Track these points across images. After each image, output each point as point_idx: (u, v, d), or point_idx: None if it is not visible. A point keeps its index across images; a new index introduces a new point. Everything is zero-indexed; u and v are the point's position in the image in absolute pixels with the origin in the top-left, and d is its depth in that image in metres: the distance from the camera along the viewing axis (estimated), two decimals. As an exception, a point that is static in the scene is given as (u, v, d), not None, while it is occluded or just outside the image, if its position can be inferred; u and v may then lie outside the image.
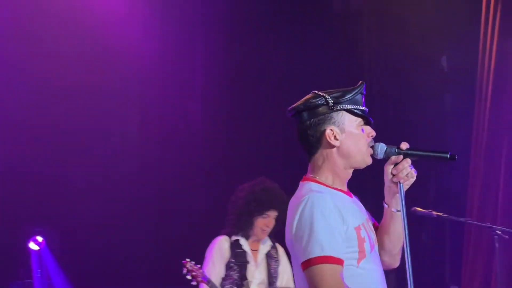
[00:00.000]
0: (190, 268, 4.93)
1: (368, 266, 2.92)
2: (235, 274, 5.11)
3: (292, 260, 2.94)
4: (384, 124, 7.14)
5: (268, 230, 5.16)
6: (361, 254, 2.89)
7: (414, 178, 2.97)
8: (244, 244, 5.17)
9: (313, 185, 2.93)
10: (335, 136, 2.93)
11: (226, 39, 7.22)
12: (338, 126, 2.94)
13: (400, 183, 2.94)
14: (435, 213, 4.64)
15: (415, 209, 4.53)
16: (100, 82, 6.59)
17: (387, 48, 7.23)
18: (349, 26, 7.37)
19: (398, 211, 3.00)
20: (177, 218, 6.92)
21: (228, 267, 5.11)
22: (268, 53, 7.26)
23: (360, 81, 2.98)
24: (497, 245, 4.72)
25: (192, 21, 7.13)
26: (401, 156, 2.93)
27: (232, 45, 7.21)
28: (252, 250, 5.21)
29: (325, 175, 2.96)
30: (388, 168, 2.98)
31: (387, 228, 3.07)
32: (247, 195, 5.18)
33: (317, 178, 2.97)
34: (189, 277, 4.93)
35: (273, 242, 5.29)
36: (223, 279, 5.13)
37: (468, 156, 6.28)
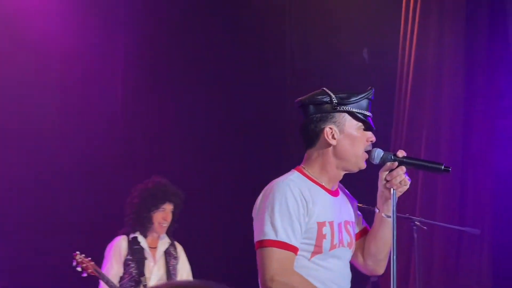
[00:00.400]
0: (79, 260, 4.99)
1: (322, 263, 2.97)
2: (133, 271, 5.15)
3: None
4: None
5: (166, 224, 5.26)
6: (317, 248, 2.94)
7: (407, 186, 3.03)
8: (142, 241, 5.25)
9: (295, 174, 3.01)
10: (333, 135, 2.99)
11: (148, 33, 7.13)
12: (338, 126, 2.99)
13: (393, 189, 2.98)
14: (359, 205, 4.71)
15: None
16: (18, 76, 6.42)
17: (311, 40, 7.25)
18: (271, 21, 7.35)
19: (388, 216, 3.03)
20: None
21: (126, 264, 5.17)
22: (189, 47, 7.20)
23: (370, 87, 3.03)
24: (415, 235, 4.78)
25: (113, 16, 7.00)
26: (396, 163, 2.99)
27: (154, 40, 7.12)
28: (151, 247, 5.29)
29: (314, 169, 3.03)
30: (383, 174, 3.03)
31: (375, 232, 3.12)
32: (142, 192, 5.28)
33: (305, 169, 3.04)
34: (79, 269, 4.99)
35: (172, 240, 5.39)
36: (122, 278, 5.17)
37: (387, 149, 6.33)
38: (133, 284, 5.15)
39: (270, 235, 2.86)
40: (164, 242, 5.36)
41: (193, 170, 7.03)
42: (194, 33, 7.20)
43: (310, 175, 3.02)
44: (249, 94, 7.14)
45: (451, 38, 6.26)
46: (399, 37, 6.45)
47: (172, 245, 5.39)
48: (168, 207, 5.28)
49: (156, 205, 5.23)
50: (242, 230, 6.85)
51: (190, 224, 6.72)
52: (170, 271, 5.30)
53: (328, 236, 2.96)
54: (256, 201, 3.00)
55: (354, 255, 3.15)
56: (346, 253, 3.06)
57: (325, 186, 3.03)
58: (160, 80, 7.14)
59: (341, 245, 3.02)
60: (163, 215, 5.25)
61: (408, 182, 3.02)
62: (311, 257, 2.94)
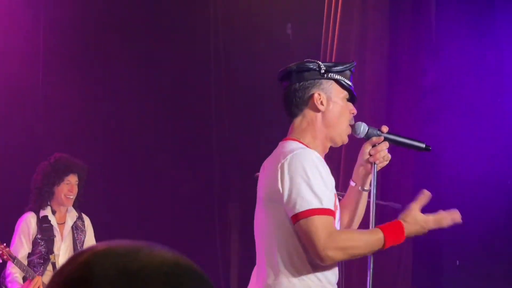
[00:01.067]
0: None
1: None
2: (42, 249, 5.19)
3: (265, 212, 2.88)
4: (237, 90, 7.12)
5: (73, 196, 5.33)
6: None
7: (388, 162, 3.08)
8: (52, 219, 5.28)
9: (299, 144, 2.92)
10: (321, 101, 2.97)
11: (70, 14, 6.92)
12: (325, 93, 2.98)
13: (375, 163, 3.00)
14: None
15: (258, 175, 4.49)
16: None
17: (235, 16, 7.19)
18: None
19: (366, 190, 3.06)
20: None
21: (35, 243, 5.20)
22: (115, 28, 7.04)
23: (352, 60, 3.03)
24: (338, 208, 4.77)
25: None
26: (382, 138, 3.03)
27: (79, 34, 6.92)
28: (59, 224, 5.33)
29: (308, 139, 2.97)
30: (367, 148, 3.05)
31: (351, 206, 3.13)
32: (45, 168, 5.33)
33: (300, 139, 2.96)
34: None
35: (79, 213, 5.45)
36: (31, 254, 5.19)
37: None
38: (41, 261, 5.19)
39: (314, 203, 2.78)
40: (72, 216, 5.42)
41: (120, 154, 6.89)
42: (117, 12, 7.03)
43: (307, 145, 2.97)
44: (175, 70, 7.02)
45: (375, 15, 6.28)
46: (323, 13, 6.43)
47: (80, 218, 5.45)
48: (73, 179, 5.34)
49: (61, 178, 5.30)
50: (178, 198, 6.87)
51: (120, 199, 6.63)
52: (77, 246, 5.36)
53: (339, 208, 3.00)
54: (273, 175, 2.86)
55: None
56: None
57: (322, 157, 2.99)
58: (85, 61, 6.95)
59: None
60: (68, 187, 5.33)
61: (389, 158, 3.07)
62: None
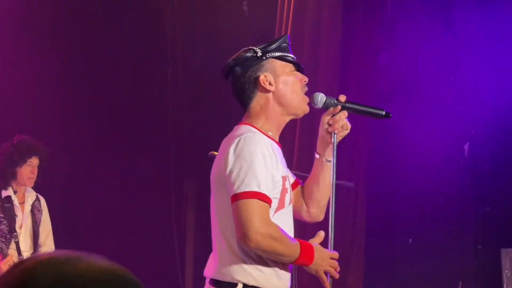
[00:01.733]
0: None
1: (282, 218, 2.92)
2: (4, 228, 5.25)
3: (214, 192, 2.91)
4: (194, 69, 7.08)
5: (34, 177, 5.40)
6: (280, 203, 2.90)
7: (348, 131, 3.06)
8: (14, 198, 5.35)
9: (252, 128, 2.93)
10: (269, 82, 2.96)
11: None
12: (271, 73, 2.97)
13: (334, 133, 3.00)
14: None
15: (212, 153, 4.48)
16: None
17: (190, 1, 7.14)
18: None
19: (329, 161, 3.02)
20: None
21: None
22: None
23: (284, 33, 3.02)
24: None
25: None
26: (339, 107, 3.01)
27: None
28: (20, 203, 5.40)
29: (262, 122, 2.97)
30: (325, 118, 3.04)
31: (318, 178, 3.10)
32: (7, 149, 5.38)
33: (254, 123, 2.96)
34: None
35: (36, 194, 5.54)
36: None
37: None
38: (3, 240, 5.23)
39: (252, 186, 2.77)
40: (31, 196, 5.50)
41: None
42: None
43: (260, 129, 2.97)
44: (132, 49, 6.95)
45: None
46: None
47: (37, 199, 5.53)
48: (35, 161, 5.41)
49: (23, 159, 5.35)
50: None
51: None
52: (37, 224, 5.43)
53: (289, 190, 2.96)
54: (222, 156, 2.88)
55: (294, 206, 3.13)
56: (292, 208, 3.06)
57: (274, 138, 3.00)
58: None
59: (292, 200, 3.03)
60: (30, 169, 5.39)
61: (349, 127, 3.06)
62: (275, 212, 2.90)
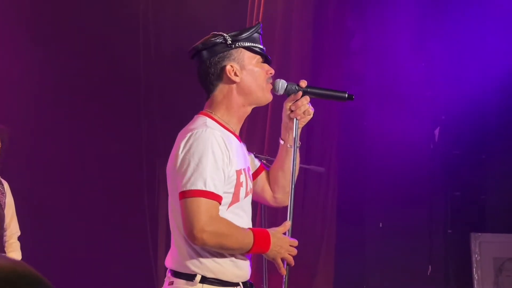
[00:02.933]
0: None
1: (237, 211, 2.92)
2: None
3: (169, 187, 2.91)
4: (166, 60, 7.04)
5: None
6: (235, 197, 2.90)
7: (311, 116, 3.05)
8: None
9: (208, 120, 2.91)
10: (235, 72, 2.94)
11: None
12: (238, 63, 2.95)
13: (296, 119, 3.01)
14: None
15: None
16: None
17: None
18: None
19: (292, 146, 3.04)
20: None
21: None
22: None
23: (257, 22, 2.99)
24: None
25: None
26: (300, 93, 3.01)
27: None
28: None
29: (221, 112, 2.95)
30: (287, 105, 3.04)
31: (282, 164, 3.12)
32: None
33: (213, 114, 2.95)
34: None
35: None
36: None
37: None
38: None
39: (198, 185, 2.76)
40: None
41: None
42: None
43: (219, 120, 2.95)
44: (100, 34, 6.89)
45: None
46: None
47: (1, 182, 5.39)
48: None
49: None
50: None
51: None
52: (1, 207, 5.32)
53: (244, 184, 2.94)
54: (174, 150, 2.87)
55: (260, 192, 3.16)
56: (250, 200, 3.05)
57: (233, 130, 2.98)
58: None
59: (250, 191, 3.02)
60: None
61: (312, 112, 3.05)
62: (229, 206, 2.90)
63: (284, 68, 6.04)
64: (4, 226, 5.35)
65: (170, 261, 2.95)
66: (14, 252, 5.35)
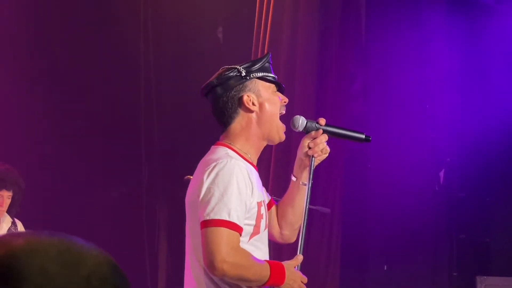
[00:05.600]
0: None
1: (257, 244, 2.89)
2: None
3: (189, 216, 2.89)
4: (167, 94, 7.05)
5: (3, 209, 5.31)
6: (256, 229, 2.87)
7: (327, 155, 3.05)
8: None
9: (229, 151, 2.89)
10: (252, 102, 2.93)
11: None
12: (254, 93, 2.93)
13: (313, 157, 2.99)
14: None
15: (188, 177, 4.43)
16: None
17: (165, 25, 7.11)
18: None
19: (306, 184, 3.01)
20: None
21: None
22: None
23: (267, 52, 2.99)
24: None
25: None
26: (321, 131, 3.00)
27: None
28: None
29: (241, 143, 2.93)
30: (306, 141, 3.01)
31: (293, 201, 3.08)
32: None
33: (232, 145, 2.93)
34: None
35: (13, 219, 5.44)
36: None
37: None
38: None
39: (222, 215, 2.73)
40: (6, 222, 5.38)
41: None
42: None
43: (238, 151, 2.92)
44: (105, 74, 6.91)
45: (305, 21, 6.28)
46: (255, 17, 6.42)
47: (13, 224, 5.41)
48: (5, 194, 5.31)
49: None
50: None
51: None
52: None
53: (265, 216, 2.92)
54: (197, 180, 2.83)
55: (268, 227, 3.09)
56: (267, 233, 3.03)
57: (252, 162, 2.96)
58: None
59: (268, 224, 2.99)
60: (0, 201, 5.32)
61: (328, 150, 3.05)
62: (250, 238, 2.87)
63: (288, 111, 6.05)
64: None
65: None
66: None
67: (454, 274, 6.14)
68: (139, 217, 6.99)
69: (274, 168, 5.87)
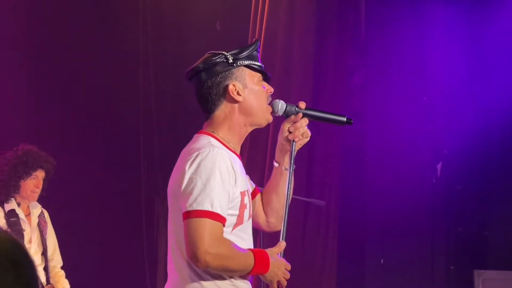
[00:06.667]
0: None
1: (241, 234, 2.85)
2: None
3: (171, 207, 2.84)
4: (165, 88, 7.03)
5: (38, 191, 5.15)
6: (239, 219, 2.82)
7: (308, 139, 3.00)
8: (20, 212, 5.10)
9: (212, 139, 2.85)
10: (238, 92, 2.88)
11: None
12: (240, 82, 2.89)
13: (293, 141, 2.96)
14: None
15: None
16: None
17: (165, 15, 7.09)
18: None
19: (287, 169, 2.98)
20: None
21: None
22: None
23: (255, 39, 2.95)
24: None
25: None
26: (301, 115, 2.95)
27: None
28: (26, 215, 5.15)
29: (224, 132, 2.89)
30: (286, 126, 2.98)
31: (277, 187, 3.04)
32: (12, 160, 5.12)
33: (215, 133, 2.88)
34: None
35: (40, 206, 5.30)
36: None
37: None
38: None
39: (205, 205, 2.68)
40: (36, 209, 5.25)
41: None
42: None
43: (221, 139, 2.88)
44: (103, 69, 6.89)
45: (302, 14, 6.24)
46: (251, 10, 6.38)
47: (42, 214, 5.28)
48: (40, 174, 5.17)
49: (28, 172, 5.11)
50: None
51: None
52: (45, 238, 5.21)
53: (248, 206, 2.87)
54: (179, 170, 2.79)
55: (253, 215, 3.04)
56: (251, 222, 2.98)
57: (235, 150, 2.91)
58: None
59: (252, 213, 2.96)
60: (35, 182, 5.16)
61: (309, 134, 3.00)
62: (233, 229, 2.82)
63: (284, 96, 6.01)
64: (48, 257, 5.20)
65: (171, 286, 2.86)
66: (61, 282, 5.24)
67: (452, 267, 6.11)
68: (138, 212, 6.98)
69: (270, 159, 5.83)
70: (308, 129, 2.99)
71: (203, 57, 2.94)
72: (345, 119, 2.99)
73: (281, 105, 2.96)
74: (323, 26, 6.29)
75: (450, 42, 6.21)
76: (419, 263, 6.11)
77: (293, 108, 2.97)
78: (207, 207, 2.69)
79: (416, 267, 6.09)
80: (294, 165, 2.98)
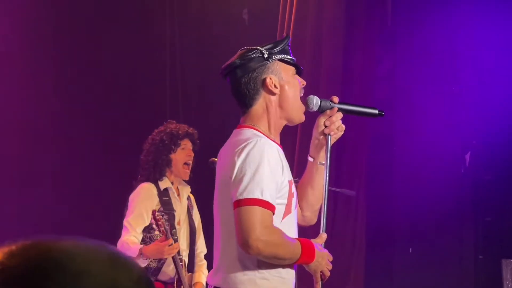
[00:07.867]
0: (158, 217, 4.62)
1: (290, 222, 2.92)
2: (165, 223, 4.72)
3: (220, 199, 2.89)
4: (193, 76, 7.07)
5: (190, 163, 4.94)
6: (287, 208, 2.90)
7: (343, 132, 3.08)
8: (172, 192, 4.92)
9: (255, 131, 2.91)
10: (274, 85, 2.94)
11: None
12: (276, 75, 2.95)
13: (329, 135, 3.01)
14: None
15: (213, 160, 4.43)
16: None
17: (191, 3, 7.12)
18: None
19: (323, 164, 3.03)
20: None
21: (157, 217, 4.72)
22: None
23: (285, 34, 3.04)
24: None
25: None
26: (336, 109, 3.02)
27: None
28: (177, 195, 4.98)
29: (264, 125, 2.96)
30: (321, 120, 3.04)
31: (312, 182, 3.10)
32: (156, 136, 4.96)
33: (256, 126, 2.95)
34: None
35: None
36: (149, 228, 4.81)
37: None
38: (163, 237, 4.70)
39: (255, 193, 2.76)
40: (186, 189, 5.06)
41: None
42: None
43: (263, 132, 2.95)
44: (128, 58, 6.93)
45: (330, 4, 6.25)
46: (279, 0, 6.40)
47: (189, 198, 5.11)
48: (189, 144, 4.97)
49: (176, 143, 4.90)
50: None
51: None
52: (192, 218, 5.04)
53: (295, 195, 2.96)
54: (227, 160, 2.86)
55: None
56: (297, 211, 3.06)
57: (277, 141, 2.98)
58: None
59: (298, 202, 3.03)
60: (186, 152, 4.95)
61: (344, 128, 3.07)
62: (283, 217, 2.90)
63: (313, 92, 6.02)
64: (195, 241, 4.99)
65: (215, 279, 2.92)
66: (200, 273, 4.99)
67: (480, 257, 6.12)
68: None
69: (299, 153, 5.87)
70: (342, 123, 3.05)
71: (238, 53, 3.01)
72: (377, 111, 3.08)
73: (316, 101, 3.03)
74: (352, 13, 6.29)
75: (480, 31, 6.18)
76: (447, 253, 6.12)
77: (328, 103, 3.04)
78: (257, 195, 2.76)
79: (444, 256, 6.10)
80: (329, 159, 3.04)
